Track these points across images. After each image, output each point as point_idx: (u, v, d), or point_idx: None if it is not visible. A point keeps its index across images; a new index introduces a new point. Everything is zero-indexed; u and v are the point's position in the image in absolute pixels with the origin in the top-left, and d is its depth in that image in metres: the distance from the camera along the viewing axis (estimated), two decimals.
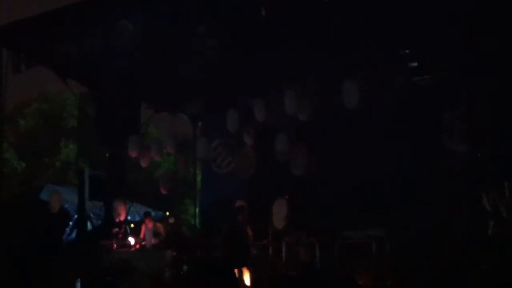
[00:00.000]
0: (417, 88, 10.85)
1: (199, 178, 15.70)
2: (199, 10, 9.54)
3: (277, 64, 10.66)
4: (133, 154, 12.94)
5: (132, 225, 12.58)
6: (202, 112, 14.10)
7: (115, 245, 11.56)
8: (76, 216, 13.03)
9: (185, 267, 10.20)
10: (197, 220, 14.89)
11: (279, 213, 10.63)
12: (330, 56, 10.34)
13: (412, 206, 9.86)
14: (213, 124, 13.50)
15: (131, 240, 11.75)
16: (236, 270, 8.74)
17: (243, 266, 9.61)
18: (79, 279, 7.93)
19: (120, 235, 11.90)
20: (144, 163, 13.35)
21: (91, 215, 12.85)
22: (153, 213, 13.46)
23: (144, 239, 11.79)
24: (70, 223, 13.47)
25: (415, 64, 10.77)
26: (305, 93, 10.79)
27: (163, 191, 13.01)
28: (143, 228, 12.01)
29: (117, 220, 12.31)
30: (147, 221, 12.09)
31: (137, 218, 13.83)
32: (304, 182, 11.05)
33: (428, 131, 10.32)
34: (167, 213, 13.98)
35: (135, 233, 12.14)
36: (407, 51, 10.51)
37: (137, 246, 11.64)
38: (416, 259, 8.46)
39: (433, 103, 10.35)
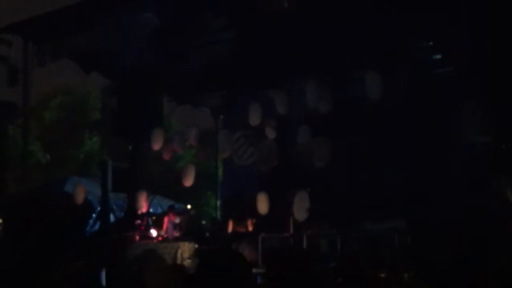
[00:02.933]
0: (438, 80, 10.75)
1: (220, 170, 15.75)
2: (220, 4, 9.55)
3: (299, 56, 10.64)
4: (155, 146, 13.02)
5: (154, 218, 12.67)
6: (224, 105, 14.14)
7: (137, 237, 11.67)
8: (99, 208, 13.17)
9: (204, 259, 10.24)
10: (219, 213, 14.95)
11: (300, 206, 10.63)
12: (352, 47, 10.28)
13: (433, 198, 9.80)
14: (235, 117, 13.52)
15: (153, 232, 11.85)
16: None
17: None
18: (103, 270, 8.01)
19: (142, 227, 12.01)
20: (166, 156, 13.43)
21: (114, 207, 12.98)
22: (176, 206, 13.55)
23: (166, 232, 11.89)
24: (94, 215, 13.62)
25: (438, 56, 10.66)
26: (327, 85, 10.76)
27: (185, 184, 13.08)
28: (165, 221, 12.10)
29: (139, 212, 12.41)
30: (170, 214, 12.17)
31: (159, 211, 13.93)
32: (326, 174, 11.03)
33: (450, 123, 10.21)
34: (189, 206, 14.06)
35: (157, 225, 12.23)
36: (430, 42, 10.40)
37: (159, 238, 11.73)
38: (437, 251, 8.40)
39: (454, 94, 10.23)
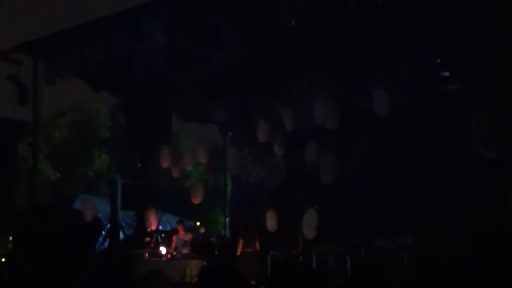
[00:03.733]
0: (445, 94, 10.74)
1: (229, 187, 15.76)
2: (228, 20, 9.60)
3: (306, 73, 10.67)
4: (164, 164, 13.06)
5: (163, 235, 12.68)
6: (232, 122, 14.18)
7: (146, 254, 11.67)
8: (108, 225, 13.20)
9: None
10: (227, 230, 14.93)
11: (309, 223, 10.61)
12: (359, 63, 10.29)
13: (442, 214, 9.76)
14: (243, 134, 13.56)
15: (162, 250, 11.85)
16: None
17: None
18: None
19: (151, 245, 12.02)
20: (175, 173, 13.47)
21: (123, 224, 13.00)
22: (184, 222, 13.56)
23: (175, 249, 11.88)
24: (103, 232, 13.66)
25: (446, 73, 10.65)
26: (335, 100, 10.77)
27: (194, 201, 13.10)
28: (174, 238, 12.09)
29: (148, 229, 12.42)
30: (179, 228, 12.16)
31: (168, 228, 13.94)
32: (334, 191, 11.00)
33: (458, 138, 10.19)
34: (198, 223, 14.06)
35: (166, 242, 12.23)
36: (438, 60, 10.40)
37: (168, 256, 11.73)
38: (446, 267, 8.35)
39: (461, 108, 10.21)
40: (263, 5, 9.14)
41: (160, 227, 13.41)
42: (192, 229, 13.05)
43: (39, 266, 10.51)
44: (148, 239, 12.19)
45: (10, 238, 13.04)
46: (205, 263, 10.90)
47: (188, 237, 11.93)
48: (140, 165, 13.82)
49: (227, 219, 15.39)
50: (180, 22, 9.77)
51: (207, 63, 10.78)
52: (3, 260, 13.03)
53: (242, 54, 10.22)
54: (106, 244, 13.43)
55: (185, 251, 11.64)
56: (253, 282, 9.24)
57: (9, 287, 9.43)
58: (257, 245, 11.42)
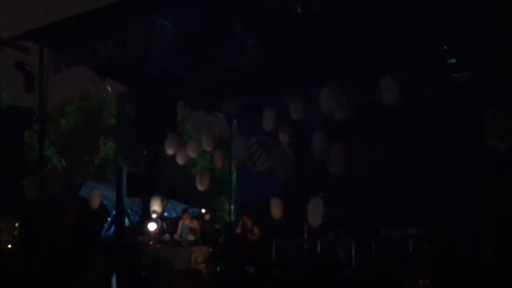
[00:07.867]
0: (456, 86, 10.67)
1: (234, 175, 15.79)
2: (236, 9, 9.56)
3: (313, 62, 10.63)
4: (169, 151, 13.09)
5: (168, 222, 12.72)
6: (238, 110, 14.17)
7: (151, 242, 11.71)
8: (114, 212, 13.26)
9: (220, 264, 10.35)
10: (233, 217, 14.97)
11: (315, 211, 10.60)
12: (367, 53, 10.24)
13: (451, 205, 9.74)
14: (249, 122, 13.55)
15: (167, 237, 11.90)
16: None
17: None
18: (114, 274, 8.04)
19: (157, 231, 12.06)
20: (180, 161, 13.49)
21: (129, 211, 13.06)
22: (189, 210, 13.61)
23: (180, 236, 11.92)
24: (109, 219, 13.73)
25: (454, 60, 10.58)
26: (342, 91, 10.72)
27: (199, 188, 13.13)
28: (180, 225, 12.13)
29: (153, 216, 12.46)
30: (184, 217, 12.21)
31: (174, 215, 13.98)
32: (340, 181, 10.99)
33: (469, 129, 10.15)
34: (203, 210, 14.11)
35: (172, 229, 12.28)
36: (445, 47, 10.33)
37: (174, 242, 11.77)
38: (455, 259, 8.35)
39: (474, 100, 10.15)
40: None
41: (165, 214, 13.45)
42: (198, 216, 13.09)
43: (48, 254, 10.56)
44: (153, 225, 12.23)
45: (16, 224, 13.13)
46: (211, 250, 10.93)
47: (194, 224, 11.95)
48: (145, 152, 13.86)
49: (232, 207, 15.43)
50: (189, 12, 9.74)
51: (216, 54, 10.75)
52: (9, 246, 13.13)
53: (250, 45, 10.19)
54: (111, 230, 13.50)
55: (190, 237, 11.67)
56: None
57: (20, 275, 9.47)
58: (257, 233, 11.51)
